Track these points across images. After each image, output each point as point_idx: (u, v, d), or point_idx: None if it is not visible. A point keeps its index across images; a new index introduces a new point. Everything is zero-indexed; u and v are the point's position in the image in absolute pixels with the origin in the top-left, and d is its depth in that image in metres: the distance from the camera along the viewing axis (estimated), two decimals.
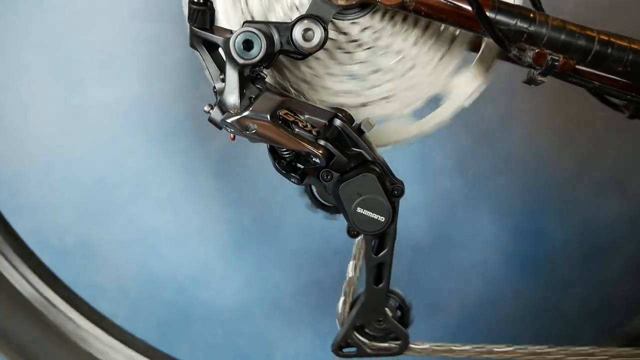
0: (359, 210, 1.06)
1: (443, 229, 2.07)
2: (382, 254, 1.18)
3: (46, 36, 1.85)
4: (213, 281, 2.07)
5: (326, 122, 1.04)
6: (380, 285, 1.22)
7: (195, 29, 0.99)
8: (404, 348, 1.31)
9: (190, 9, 0.97)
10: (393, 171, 1.09)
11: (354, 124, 1.08)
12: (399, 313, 1.31)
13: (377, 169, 1.07)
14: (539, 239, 2.06)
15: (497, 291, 2.12)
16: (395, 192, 1.09)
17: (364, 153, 1.06)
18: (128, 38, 1.89)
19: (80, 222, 1.98)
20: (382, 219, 1.07)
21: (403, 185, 1.09)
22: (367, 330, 1.30)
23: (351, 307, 1.29)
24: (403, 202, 1.65)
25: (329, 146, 1.02)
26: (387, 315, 1.27)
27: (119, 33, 1.88)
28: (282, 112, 1.01)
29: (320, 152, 1.00)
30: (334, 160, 1.03)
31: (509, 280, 2.09)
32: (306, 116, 1.04)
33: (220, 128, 1.02)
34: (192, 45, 1.02)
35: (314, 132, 1.02)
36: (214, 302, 2.08)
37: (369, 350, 1.30)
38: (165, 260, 2.02)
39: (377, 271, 1.21)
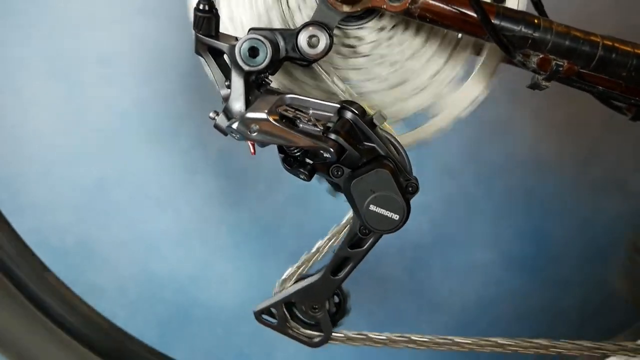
0: (372, 207, 1.02)
1: (443, 229, 2.07)
2: (355, 250, 1.14)
3: (46, 36, 1.85)
4: (213, 281, 2.07)
5: (333, 114, 1.02)
6: (336, 277, 1.18)
7: (201, 35, 0.99)
8: (322, 343, 1.28)
9: (195, 16, 0.97)
10: None
11: (367, 116, 1.04)
12: (335, 310, 1.27)
13: (391, 165, 1.02)
14: (539, 239, 2.06)
15: (497, 291, 2.13)
16: (410, 188, 1.04)
17: (377, 147, 1.03)
18: (128, 38, 1.88)
19: (80, 222, 1.98)
20: (396, 217, 1.03)
21: (417, 182, 1.05)
22: (295, 310, 1.26)
23: (296, 281, 1.25)
24: None
25: (340, 140, 0.98)
26: (325, 308, 1.24)
27: (119, 33, 1.88)
28: (281, 109, 1.00)
29: (330, 145, 0.97)
30: (346, 155, 1.00)
31: (509, 280, 2.09)
32: (311, 111, 1.03)
33: (226, 134, 1.02)
34: (197, 52, 1.01)
35: (319, 126, 1.00)
36: (214, 302, 2.08)
37: (288, 330, 1.27)
38: (165, 260, 2.02)
39: (341, 263, 1.17)
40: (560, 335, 1.28)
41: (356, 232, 1.13)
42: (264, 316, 1.27)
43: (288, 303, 1.25)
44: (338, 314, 1.28)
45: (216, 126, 1.03)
